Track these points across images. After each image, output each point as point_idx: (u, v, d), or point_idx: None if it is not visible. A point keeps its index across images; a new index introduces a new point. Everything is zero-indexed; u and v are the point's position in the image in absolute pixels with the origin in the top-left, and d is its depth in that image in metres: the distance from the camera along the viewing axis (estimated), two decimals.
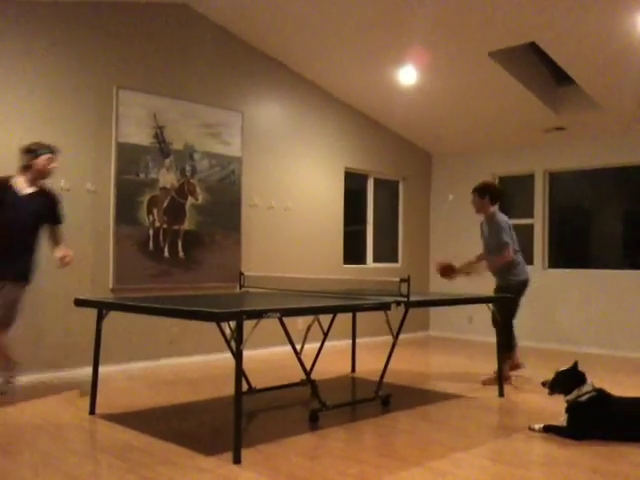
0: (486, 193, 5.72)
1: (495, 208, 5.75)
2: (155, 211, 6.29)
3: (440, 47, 6.49)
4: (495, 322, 5.35)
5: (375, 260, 8.81)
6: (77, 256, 4.89)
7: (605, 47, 5.96)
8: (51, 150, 4.79)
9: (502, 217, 5.71)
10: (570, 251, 8.61)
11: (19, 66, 5.49)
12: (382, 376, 4.75)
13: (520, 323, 8.14)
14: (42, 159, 4.72)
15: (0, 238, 4.60)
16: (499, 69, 6.63)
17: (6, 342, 4.61)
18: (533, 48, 6.64)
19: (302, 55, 7.27)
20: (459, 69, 6.88)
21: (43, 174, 4.77)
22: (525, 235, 8.50)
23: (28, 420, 4.24)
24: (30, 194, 4.71)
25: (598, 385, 4.04)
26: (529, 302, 8.03)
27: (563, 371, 4.12)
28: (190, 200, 6.57)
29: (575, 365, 4.07)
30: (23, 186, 4.70)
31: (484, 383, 5.54)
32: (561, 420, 4.02)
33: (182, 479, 3.17)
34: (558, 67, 6.64)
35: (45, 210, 4.78)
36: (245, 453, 3.45)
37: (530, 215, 8.47)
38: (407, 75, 7.03)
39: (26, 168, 4.72)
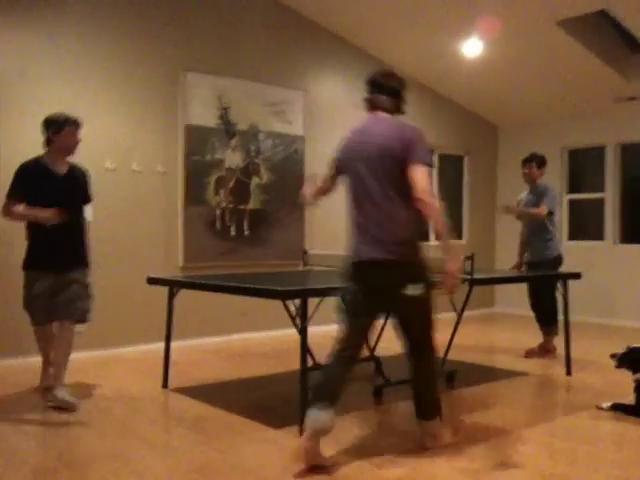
0: (543, 164, 5.89)
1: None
2: (222, 191, 6.44)
3: (506, 17, 6.33)
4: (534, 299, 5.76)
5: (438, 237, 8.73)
6: (148, 235, 5.05)
7: None
8: (76, 123, 4.26)
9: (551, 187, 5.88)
10: None
11: (87, 50, 5.68)
12: (446, 352, 4.77)
13: (589, 299, 7.97)
14: (66, 133, 4.20)
15: (53, 227, 4.09)
16: (568, 38, 6.42)
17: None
18: (604, 16, 6.39)
19: (364, 29, 7.22)
20: (526, 39, 6.70)
21: (68, 150, 4.25)
22: (595, 210, 8.27)
23: (105, 393, 4.47)
24: (67, 172, 4.28)
25: None
26: (599, 277, 7.88)
27: (636, 347, 4.02)
28: (255, 180, 6.69)
29: None
30: (56, 165, 4.23)
31: (526, 355, 5.71)
32: (630, 399, 3.95)
33: (251, 450, 3.30)
34: (631, 34, 6.38)
35: (82, 188, 4.38)
36: None
37: (601, 189, 8.21)
38: (472, 47, 6.90)
39: (49, 143, 4.22)
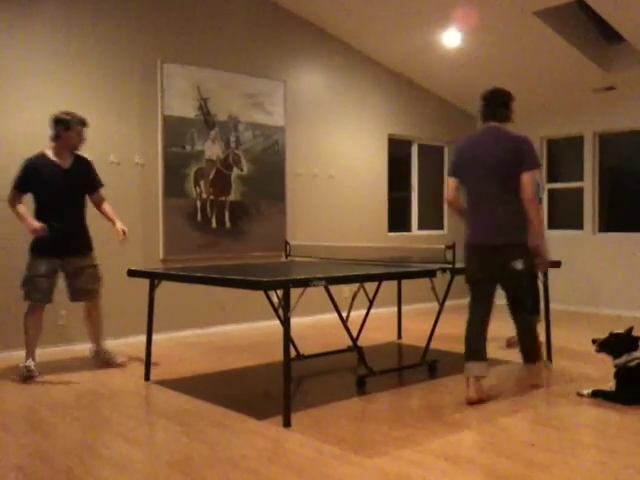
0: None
1: None
2: (202, 183, 6.40)
3: (484, 7, 6.33)
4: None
5: (420, 227, 8.77)
6: (128, 228, 5.01)
7: None
8: (83, 122, 4.71)
9: None
10: (621, 215, 8.41)
11: (64, 39, 5.60)
12: (428, 342, 4.79)
13: (568, 287, 8.06)
14: (74, 131, 4.66)
15: (57, 217, 4.61)
16: (545, 28, 6.45)
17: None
18: (581, 6, 6.43)
19: (343, 21, 7.19)
20: (504, 29, 6.71)
21: (73, 147, 4.72)
22: (574, 199, 8.35)
23: (86, 386, 4.43)
24: (71, 166, 4.72)
25: None
26: (579, 266, 7.96)
27: (617, 334, 4.07)
28: (235, 171, 6.65)
29: (630, 330, 4.02)
30: (61, 159, 4.68)
31: (508, 345, 5.66)
32: (610, 385, 4.00)
33: (234, 441, 3.29)
34: (608, 25, 6.42)
35: (87, 177, 4.84)
36: (294, 417, 3.55)
37: (580, 178, 8.29)
38: (451, 37, 6.91)
39: (56, 139, 4.64)
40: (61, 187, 4.63)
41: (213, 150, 6.47)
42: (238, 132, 6.66)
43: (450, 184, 4.20)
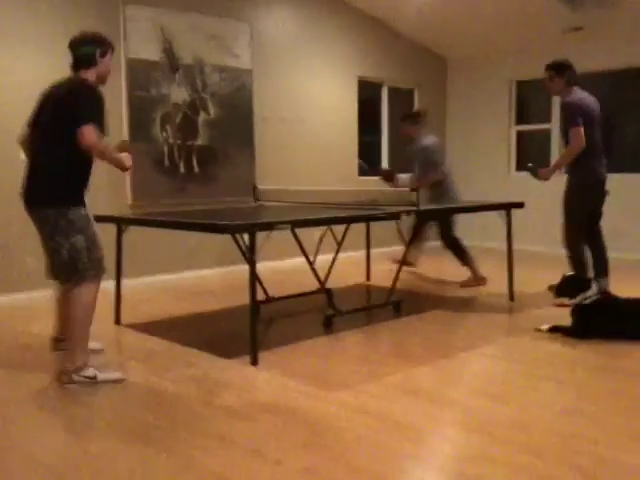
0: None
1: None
2: (168, 127, 6.33)
3: None
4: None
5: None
6: (94, 174, 4.95)
7: None
8: (113, 47, 3.61)
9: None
10: None
11: None
12: (394, 283, 4.90)
13: (536, 228, 8.23)
14: (109, 58, 3.57)
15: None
16: None
17: None
18: None
19: None
20: None
21: (105, 78, 3.59)
22: (543, 140, 8.42)
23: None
24: None
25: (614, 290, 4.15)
26: (546, 207, 8.10)
27: (570, 276, 4.21)
28: (202, 115, 6.58)
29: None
30: None
31: (462, 285, 5.87)
32: (567, 321, 4.15)
33: (202, 379, 3.39)
34: None
35: None
36: (262, 356, 3.65)
37: (548, 120, 8.34)
38: None
39: (89, 64, 3.45)
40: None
41: (179, 94, 6.38)
42: (204, 75, 6.56)
43: (582, 132, 4.80)
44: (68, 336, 3.41)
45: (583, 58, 7.92)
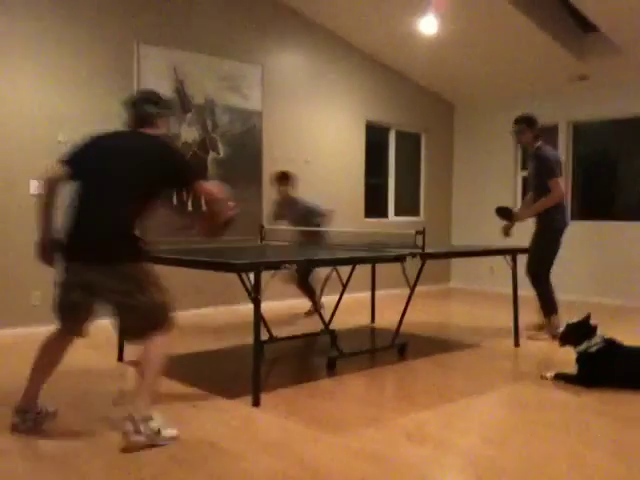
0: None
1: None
2: None
3: None
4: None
5: (397, 214, 8.86)
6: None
7: None
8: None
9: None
10: (595, 203, 8.55)
11: (40, 24, 5.55)
12: (399, 325, 4.87)
13: None
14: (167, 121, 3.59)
15: None
16: (520, 16, 6.52)
17: None
18: None
19: (322, 4, 7.20)
20: (480, 17, 6.78)
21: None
22: None
23: (60, 368, 4.44)
24: None
25: (614, 336, 4.10)
26: None
27: (574, 323, 4.18)
28: (212, 154, 6.66)
29: (587, 317, 4.12)
30: None
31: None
32: (572, 369, 4.11)
33: (203, 419, 3.36)
34: (582, 14, 6.51)
35: None
36: (264, 397, 3.62)
37: None
38: (428, 24, 6.94)
39: (152, 122, 3.32)
40: None
41: (189, 133, 6.48)
42: (215, 115, 6.67)
43: (560, 183, 5.29)
44: (138, 382, 3.10)
45: (588, 106, 8.05)
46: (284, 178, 6.50)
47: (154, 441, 2.93)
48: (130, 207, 3.09)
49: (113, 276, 3.02)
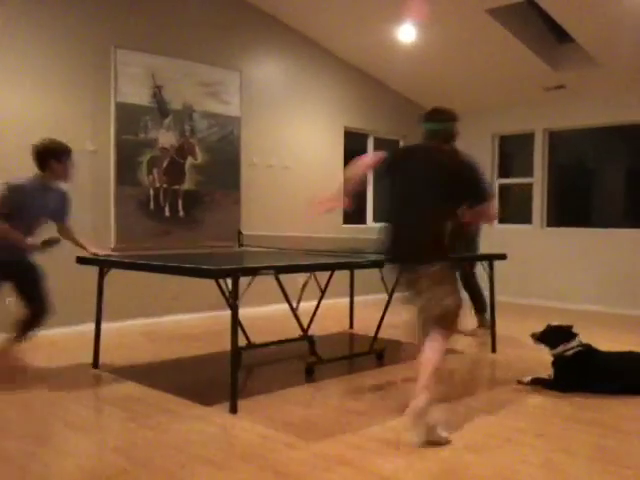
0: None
1: None
2: (155, 171, 6.36)
3: (438, 3, 6.43)
4: None
5: (375, 220, 8.87)
6: (79, 216, 4.95)
7: (604, 3, 5.91)
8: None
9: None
10: (571, 210, 8.66)
11: (15, 27, 5.49)
12: (377, 331, 4.88)
13: (518, 281, 8.27)
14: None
15: None
16: (497, 26, 6.59)
17: None
18: (532, 5, 6.58)
19: (301, 12, 7.22)
20: (457, 26, 6.84)
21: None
22: (525, 194, 8.56)
23: (35, 373, 4.39)
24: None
25: (591, 341, 4.14)
26: (526, 259, 8.18)
27: (554, 326, 4.21)
28: (190, 160, 6.62)
29: (570, 327, 4.15)
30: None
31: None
32: (549, 374, 4.15)
33: (180, 426, 3.32)
34: (558, 25, 6.59)
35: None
36: (242, 403, 3.60)
37: (530, 174, 8.49)
38: (406, 33, 6.99)
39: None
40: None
41: (167, 138, 6.44)
42: (193, 121, 6.64)
43: None
44: (424, 385, 3.15)
45: (564, 115, 8.16)
46: None
47: (430, 437, 3.07)
48: (442, 214, 3.57)
49: (417, 275, 3.39)
